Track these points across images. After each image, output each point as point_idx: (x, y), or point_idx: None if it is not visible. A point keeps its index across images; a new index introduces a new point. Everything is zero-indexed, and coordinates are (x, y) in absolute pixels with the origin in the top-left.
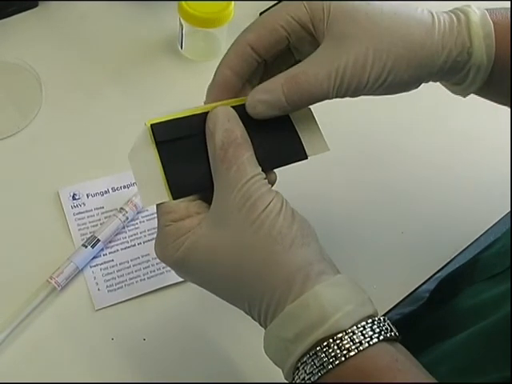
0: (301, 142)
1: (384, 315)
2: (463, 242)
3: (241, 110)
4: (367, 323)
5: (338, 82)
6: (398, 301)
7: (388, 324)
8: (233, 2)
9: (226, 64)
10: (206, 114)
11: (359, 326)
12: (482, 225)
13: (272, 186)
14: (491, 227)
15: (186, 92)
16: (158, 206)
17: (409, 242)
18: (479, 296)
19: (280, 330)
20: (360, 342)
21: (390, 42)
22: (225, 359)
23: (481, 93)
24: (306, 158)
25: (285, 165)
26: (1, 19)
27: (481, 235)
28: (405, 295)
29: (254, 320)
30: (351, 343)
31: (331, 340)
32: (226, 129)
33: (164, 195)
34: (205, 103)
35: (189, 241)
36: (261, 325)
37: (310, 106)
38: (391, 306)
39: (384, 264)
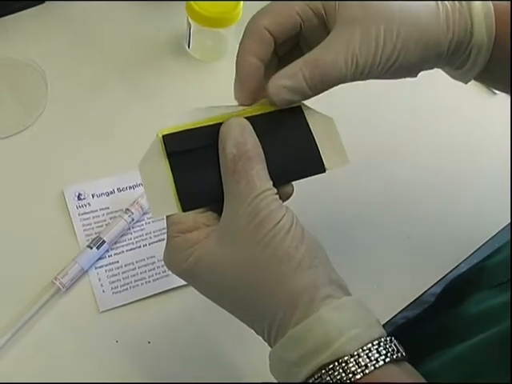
0: (319, 154)
1: (389, 320)
2: (469, 247)
3: (256, 120)
4: (373, 345)
5: (354, 64)
6: (404, 306)
7: (395, 344)
8: (241, 3)
9: (247, 51)
10: (219, 124)
11: (365, 348)
12: (488, 231)
13: (288, 198)
14: (497, 233)
15: (192, 91)
16: (167, 216)
17: (415, 247)
18: (486, 303)
19: (284, 352)
20: (366, 365)
21: (399, 23)
22: (229, 363)
23: (480, 78)
24: (324, 171)
25: (300, 178)
26: (7, 15)
27: (487, 241)
28: (411, 300)
29: (258, 335)
30: (356, 366)
31: (336, 363)
32: (237, 141)
33: (174, 207)
34: (235, 96)
35: (196, 253)
36: (265, 341)
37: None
38: (397, 311)
39: (390, 268)
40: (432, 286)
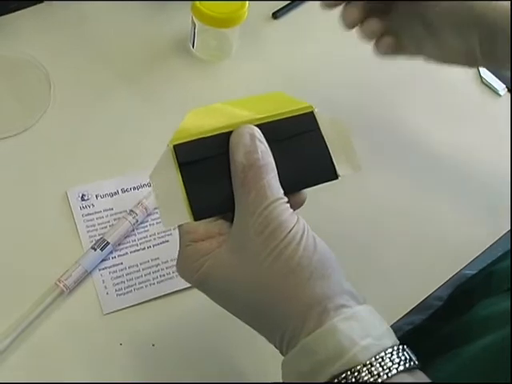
0: (331, 160)
1: (393, 325)
2: (474, 251)
3: (267, 128)
4: (386, 354)
5: None
6: (407, 310)
7: (407, 353)
8: (247, 3)
9: None
10: (230, 133)
11: (377, 357)
12: (493, 234)
13: (301, 205)
14: (502, 237)
15: (196, 91)
16: (179, 225)
17: (418, 251)
18: (495, 307)
19: (296, 362)
20: (378, 374)
21: None
22: (235, 366)
23: None
24: (337, 178)
25: (313, 185)
26: (9, 13)
27: (491, 245)
28: (414, 305)
29: (270, 343)
30: (369, 375)
31: (349, 373)
32: (247, 150)
33: (185, 216)
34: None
35: (208, 263)
36: (277, 349)
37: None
38: (400, 316)
39: (394, 273)
40: (435, 291)
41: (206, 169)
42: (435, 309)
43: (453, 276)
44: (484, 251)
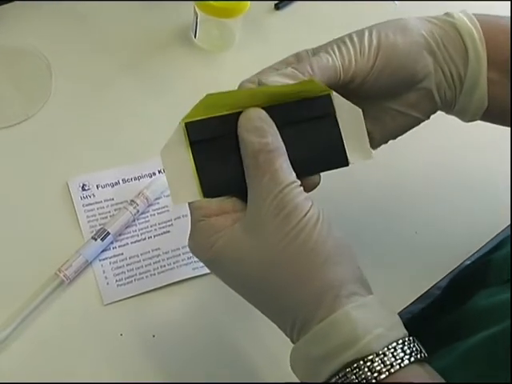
0: (343, 146)
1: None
2: (477, 243)
3: (277, 110)
4: (398, 344)
5: None
6: (410, 301)
7: (417, 344)
8: None
9: None
10: (241, 113)
11: (390, 347)
12: (496, 226)
13: (314, 188)
14: (505, 228)
15: (198, 82)
16: (189, 202)
17: (422, 243)
18: (496, 297)
19: (308, 348)
20: (391, 364)
21: None
22: (236, 357)
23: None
24: (347, 165)
25: (322, 171)
26: (10, 2)
27: (494, 236)
28: (417, 296)
29: (281, 330)
30: (382, 365)
31: (362, 362)
32: (256, 134)
33: (195, 194)
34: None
35: (221, 240)
36: (287, 336)
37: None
38: (404, 307)
39: (397, 264)
40: (439, 282)
41: (217, 147)
42: (434, 297)
43: (453, 269)
44: (485, 244)
